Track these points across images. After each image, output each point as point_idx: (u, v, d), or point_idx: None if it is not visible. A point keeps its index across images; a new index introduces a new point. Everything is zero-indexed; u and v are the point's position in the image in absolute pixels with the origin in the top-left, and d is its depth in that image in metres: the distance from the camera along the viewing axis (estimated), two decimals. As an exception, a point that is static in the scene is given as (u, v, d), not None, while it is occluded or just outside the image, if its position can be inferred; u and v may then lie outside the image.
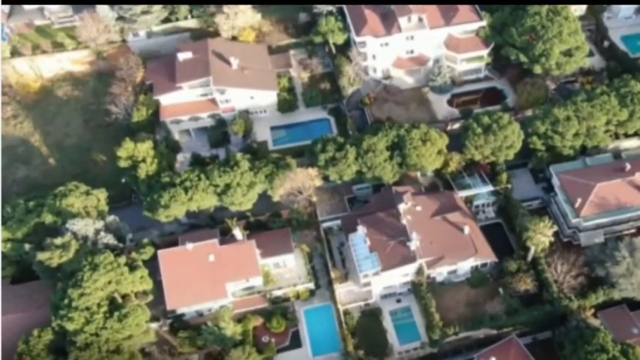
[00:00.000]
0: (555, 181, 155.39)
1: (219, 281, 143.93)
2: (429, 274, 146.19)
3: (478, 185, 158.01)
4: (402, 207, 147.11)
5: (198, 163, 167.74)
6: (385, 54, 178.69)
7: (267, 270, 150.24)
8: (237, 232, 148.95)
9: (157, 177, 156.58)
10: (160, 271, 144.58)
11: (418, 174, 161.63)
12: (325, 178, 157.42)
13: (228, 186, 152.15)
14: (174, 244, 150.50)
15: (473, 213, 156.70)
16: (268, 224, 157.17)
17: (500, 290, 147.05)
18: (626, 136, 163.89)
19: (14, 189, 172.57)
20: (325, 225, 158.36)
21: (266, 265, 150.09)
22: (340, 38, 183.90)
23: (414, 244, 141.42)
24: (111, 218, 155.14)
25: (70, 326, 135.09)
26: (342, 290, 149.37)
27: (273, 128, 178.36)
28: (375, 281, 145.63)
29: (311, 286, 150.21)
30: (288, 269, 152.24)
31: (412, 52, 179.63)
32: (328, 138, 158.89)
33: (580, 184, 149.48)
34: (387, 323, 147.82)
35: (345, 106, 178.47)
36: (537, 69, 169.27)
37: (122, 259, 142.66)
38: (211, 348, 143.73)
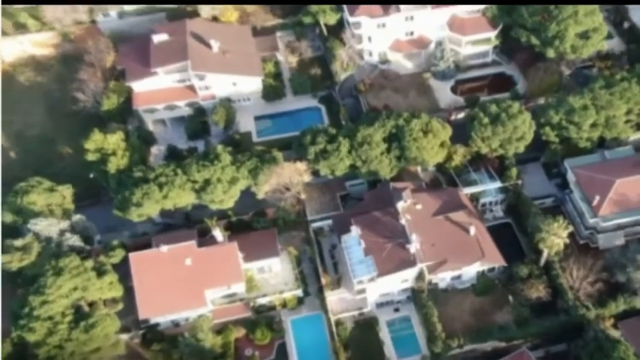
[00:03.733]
0: (571, 177, 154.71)
1: (197, 288, 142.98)
2: (431, 279, 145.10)
3: (485, 181, 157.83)
4: (400, 205, 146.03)
5: (174, 156, 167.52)
6: (382, 36, 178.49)
7: (250, 275, 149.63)
8: (218, 233, 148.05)
9: (128, 172, 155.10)
10: (131, 276, 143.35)
11: (418, 169, 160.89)
12: (315, 174, 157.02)
13: (207, 182, 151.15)
14: (148, 246, 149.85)
15: (479, 212, 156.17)
16: (252, 224, 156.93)
17: (510, 298, 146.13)
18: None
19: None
20: (315, 225, 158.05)
21: (249, 269, 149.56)
22: (332, 18, 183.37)
23: (413, 247, 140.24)
24: (77, 217, 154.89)
25: (32, 337, 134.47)
26: (333, 298, 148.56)
27: (257, 118, 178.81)
28: (370, 288, 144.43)
29: (299, 293, 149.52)
30: (273, 274, 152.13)
31: (412, 33, 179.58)
32: (319, 129, 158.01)
33: (598, 179, 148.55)
34: (384, 334, 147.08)
35: (338, 94, 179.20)
36: (550, 53, 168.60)
37: (89, 263, 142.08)
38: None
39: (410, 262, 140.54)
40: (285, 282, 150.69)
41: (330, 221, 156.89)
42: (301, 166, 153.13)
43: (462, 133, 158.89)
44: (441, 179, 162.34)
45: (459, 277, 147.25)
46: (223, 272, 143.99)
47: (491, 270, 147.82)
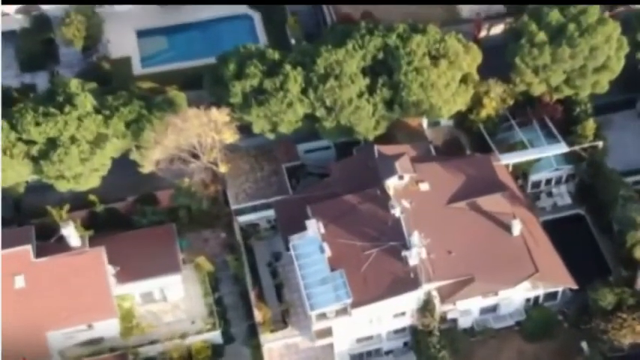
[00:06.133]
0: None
1: (35, 326, 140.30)
2: (446, 312, 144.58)
3: (539, 143, 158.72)
4: (392, 184, 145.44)
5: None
6: None
7: (129, 307, 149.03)
8: (71, 233, 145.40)
9: None
10: None
11: (424, 122, 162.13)
12: (244, 130, 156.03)
13: (53, 143, 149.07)
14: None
15: (529, 197, 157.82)
16: (132, 219, 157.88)
17: (584, 345, 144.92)
18: None
19: None
20: (244, 219, 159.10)
21: (127, 296, 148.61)
22: None
23: (415, 255, 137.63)
24: None
25: None
26: (275, 345, 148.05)
27: (142, 34, 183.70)
28: (340, 327, 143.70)
29: (216, 337, 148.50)
30: (170, 305, 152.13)
31: None
32: (250, 51, 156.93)
33: None
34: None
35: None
36: None
37: None
38: None
39: (409, 282, 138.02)
40: (190, 318, 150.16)
41: (270, 212, 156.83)
42: (219, 115, 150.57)
43: (498, 61, 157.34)
44: (463, 140, 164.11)
45: (494, 308, 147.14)
46: (80, 300, 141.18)
47: (551, 296, 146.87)
